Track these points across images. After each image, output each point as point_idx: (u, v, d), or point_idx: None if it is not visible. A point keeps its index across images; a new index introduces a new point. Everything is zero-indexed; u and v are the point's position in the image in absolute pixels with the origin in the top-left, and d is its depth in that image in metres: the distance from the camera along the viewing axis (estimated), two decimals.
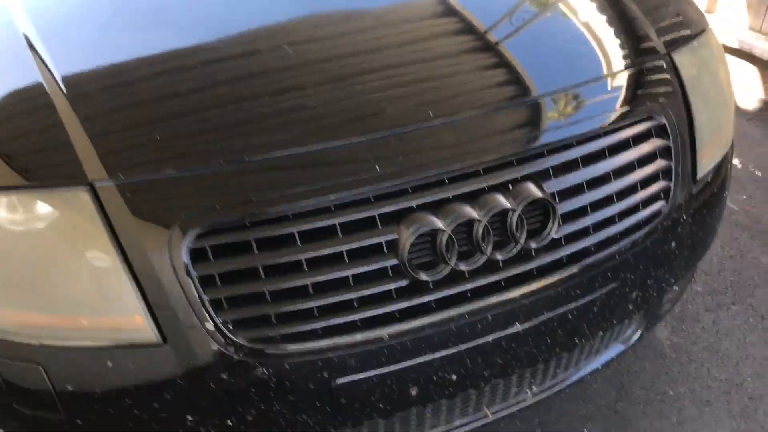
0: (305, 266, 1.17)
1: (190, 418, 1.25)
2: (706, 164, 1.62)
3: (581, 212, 1.36)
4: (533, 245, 1.34)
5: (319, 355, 1.22)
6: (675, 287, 1.72)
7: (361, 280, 1.21)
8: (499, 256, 1.31)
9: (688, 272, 1.75)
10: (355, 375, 1.28)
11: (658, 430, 1.85)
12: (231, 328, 1.18)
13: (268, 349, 1.19)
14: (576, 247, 1.36)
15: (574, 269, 1.37)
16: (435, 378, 1.35)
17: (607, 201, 1.39)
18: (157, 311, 1.15)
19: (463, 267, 1.29)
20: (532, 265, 1.35)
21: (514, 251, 1.32)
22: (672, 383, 2.00)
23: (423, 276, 1.25)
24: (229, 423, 1.27)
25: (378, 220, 1.20)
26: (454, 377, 1.36)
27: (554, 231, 1.33)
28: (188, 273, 1.13)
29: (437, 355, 1.32)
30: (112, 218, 1.12)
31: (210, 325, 1.17)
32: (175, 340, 1.16)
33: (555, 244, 1.35)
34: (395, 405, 1.35)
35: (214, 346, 1.17)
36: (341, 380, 1.27)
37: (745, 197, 2.81)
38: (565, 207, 1.33)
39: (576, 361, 1.63)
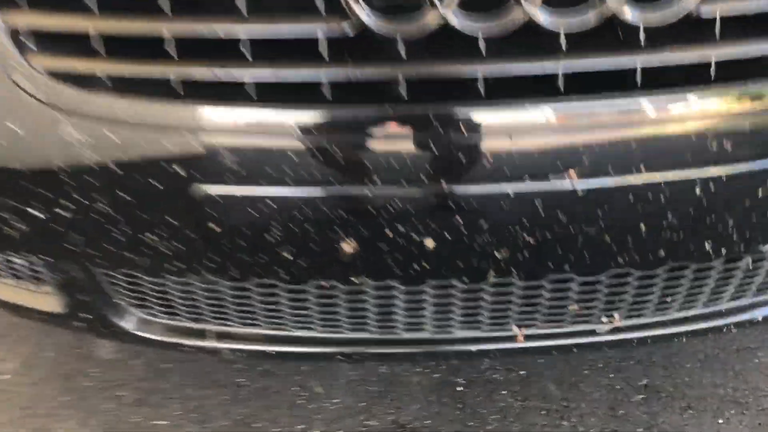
0: None
1: None
2: None
3: None
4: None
5: (172, 139, 0.70)
6: None
7: (264, 10, 0.66)
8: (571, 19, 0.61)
9: None
10: (237, 186, 0.70)
11: None
12: (20, 42, 0.71)
13: (79, 94, 0.71)
14: None
15: None
16: (388, 235, 0.71)
17: None
18: None
19: (469, 24, 0.60)
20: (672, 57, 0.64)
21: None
22: None
23: (381, 24, 0.61)
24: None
25: None
26: (430, 244, 0.71)
27: None
28: None
29: (394, 191, 0.68)
30: None
31: None
32: None
33: None
34: (313, 267, 0.75)
35: None
36: (213, 190, 0.70)
37: None
38: None
39: (719, 292, 0.87)
